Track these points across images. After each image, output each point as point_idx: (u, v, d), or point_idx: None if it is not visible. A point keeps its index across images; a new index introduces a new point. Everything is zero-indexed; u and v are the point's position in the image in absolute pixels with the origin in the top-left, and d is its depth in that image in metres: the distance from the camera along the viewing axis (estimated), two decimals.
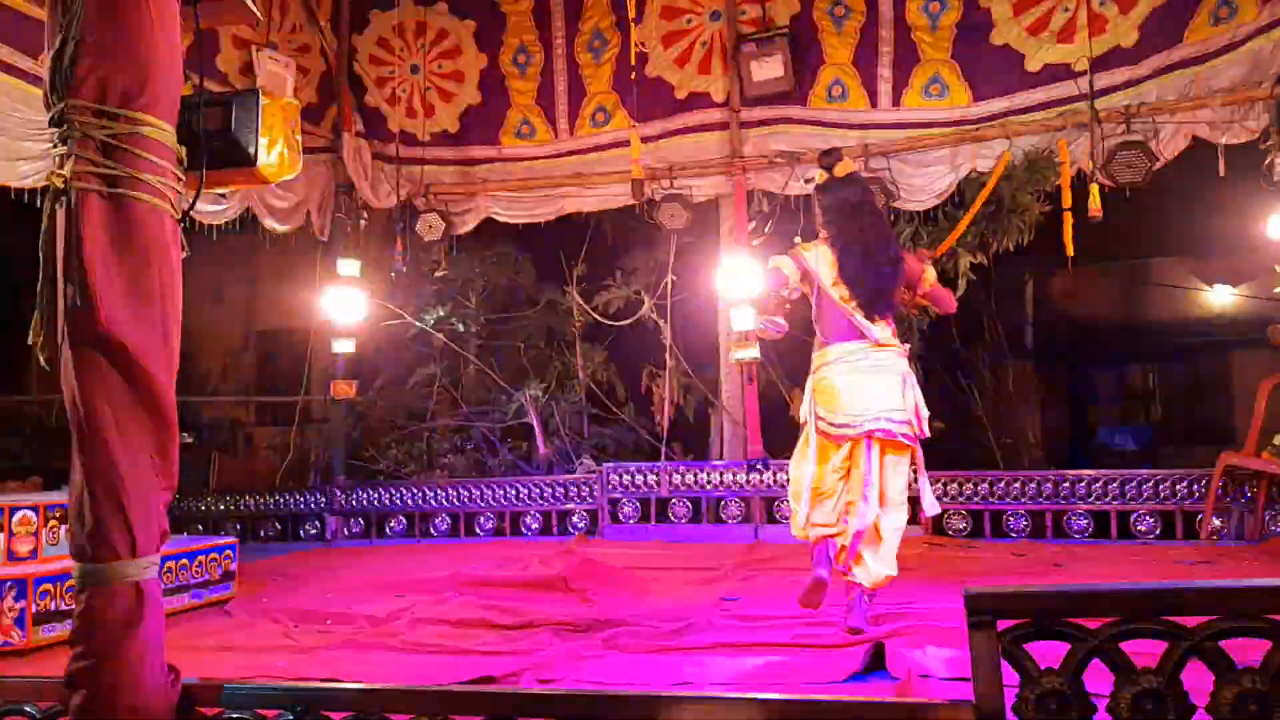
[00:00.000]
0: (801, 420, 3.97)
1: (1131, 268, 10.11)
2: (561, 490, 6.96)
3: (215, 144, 2.09)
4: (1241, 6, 5.67)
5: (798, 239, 6.68)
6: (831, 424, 3.72)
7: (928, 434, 3.81)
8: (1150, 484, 5.86)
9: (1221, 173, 5.78)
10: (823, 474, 3.76)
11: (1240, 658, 1.51)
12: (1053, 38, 6.18)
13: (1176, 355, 10.27)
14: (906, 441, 3.70)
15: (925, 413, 3.79)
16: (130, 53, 1.86)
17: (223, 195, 5.96)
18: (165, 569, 4.35)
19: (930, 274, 3.95)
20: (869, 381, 3.70)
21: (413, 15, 7.20)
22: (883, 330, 3.75)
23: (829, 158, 4.01)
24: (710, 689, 2.94)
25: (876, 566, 3.65)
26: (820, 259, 3.87)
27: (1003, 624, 1.57)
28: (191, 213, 2.11)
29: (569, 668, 3.24)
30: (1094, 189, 5.79)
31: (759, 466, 6.47)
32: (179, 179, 1.96)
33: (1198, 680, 1.53)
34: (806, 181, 6.66)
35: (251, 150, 2.11)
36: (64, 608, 3.87)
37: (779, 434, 7.24)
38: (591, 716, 1.79)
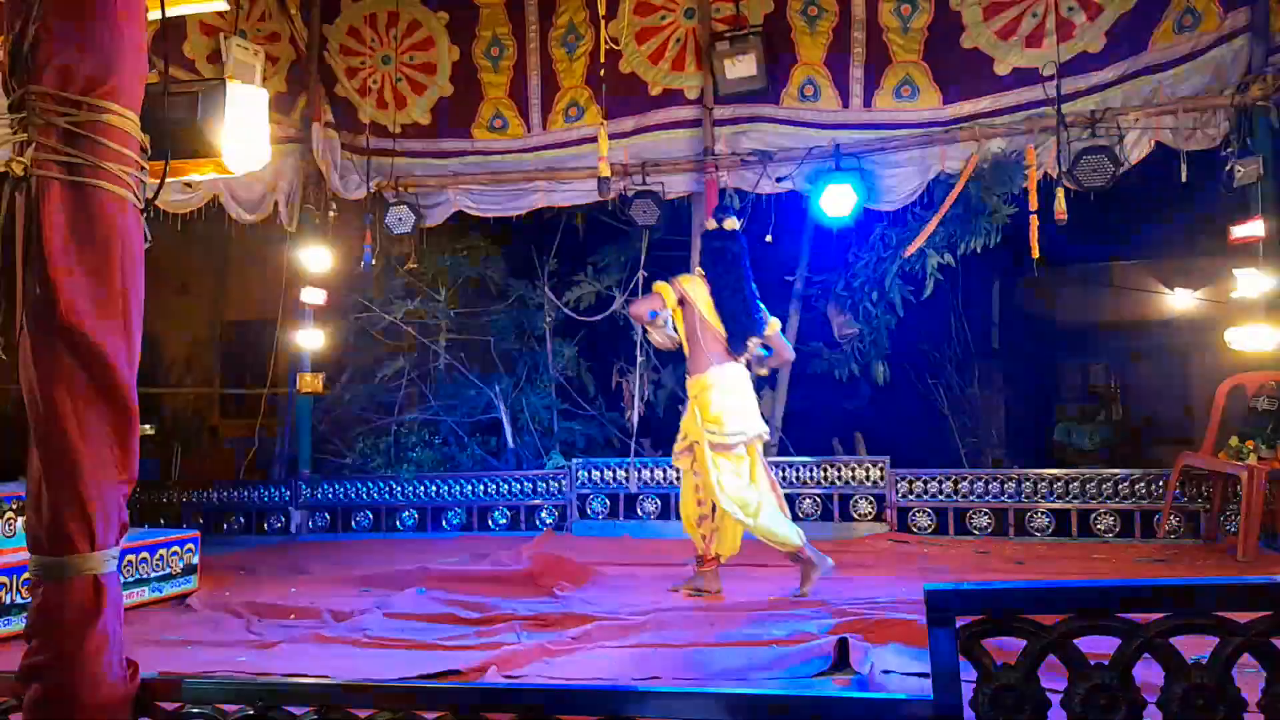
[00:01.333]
0: (688, 441, 4.49)
1: (1095, 270, 10.28)
2: (530, 485, 6.95)
3: (180, 133, 2.06)
4: (1205, 16, 5.79)
5: (768, 237, 6.80)
6: (718, 433, 4.34)
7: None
8: (1110, 483, 5.97)
9: (1183, 178, 5.90)
10: (739, 475, 4.41)
11: (1189, 654, 1.55)
12: (1021, 42, 6.26)
13: (1138, 356, 10.45)
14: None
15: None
16: (94, 39, 1.83)
17: (189, 184, 5.87)
18: (125, 562, 4.29)
19: (775, 325, 4.66)
20: (741, 398, 4.46)
21: (385, 5, 7.13)
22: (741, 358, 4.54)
23: (722, 213, 4.75)
24: (677, 684, 2.95)
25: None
26: (698, 292, 4.52)
27: (961, 621, 1.60)
28: (157, 202, 2.08)
29: (536, 663, 3.24)
30: (1060, 192, 5.89)
31: None
32: (142, 168, 1.93)
33: (1149, 676, 1.56)
34: (778, 180, 6.71)
35: (217, 140, 2.08)
36: (19, 601, 3.80)
37: None
38: (557, 711, 1.79)
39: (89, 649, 1.80)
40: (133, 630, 1.96)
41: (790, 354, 4.94)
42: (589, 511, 6.78)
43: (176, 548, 4.69)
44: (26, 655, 1.82)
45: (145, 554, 4.50)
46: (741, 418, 4.39)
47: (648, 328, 4.62)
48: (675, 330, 4.58)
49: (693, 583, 4.57)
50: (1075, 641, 1.57)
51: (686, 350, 4.56)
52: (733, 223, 4.69)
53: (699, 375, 4.47)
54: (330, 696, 1.84)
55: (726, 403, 4.38)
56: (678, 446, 4.59)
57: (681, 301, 4.50)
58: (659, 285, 4.55)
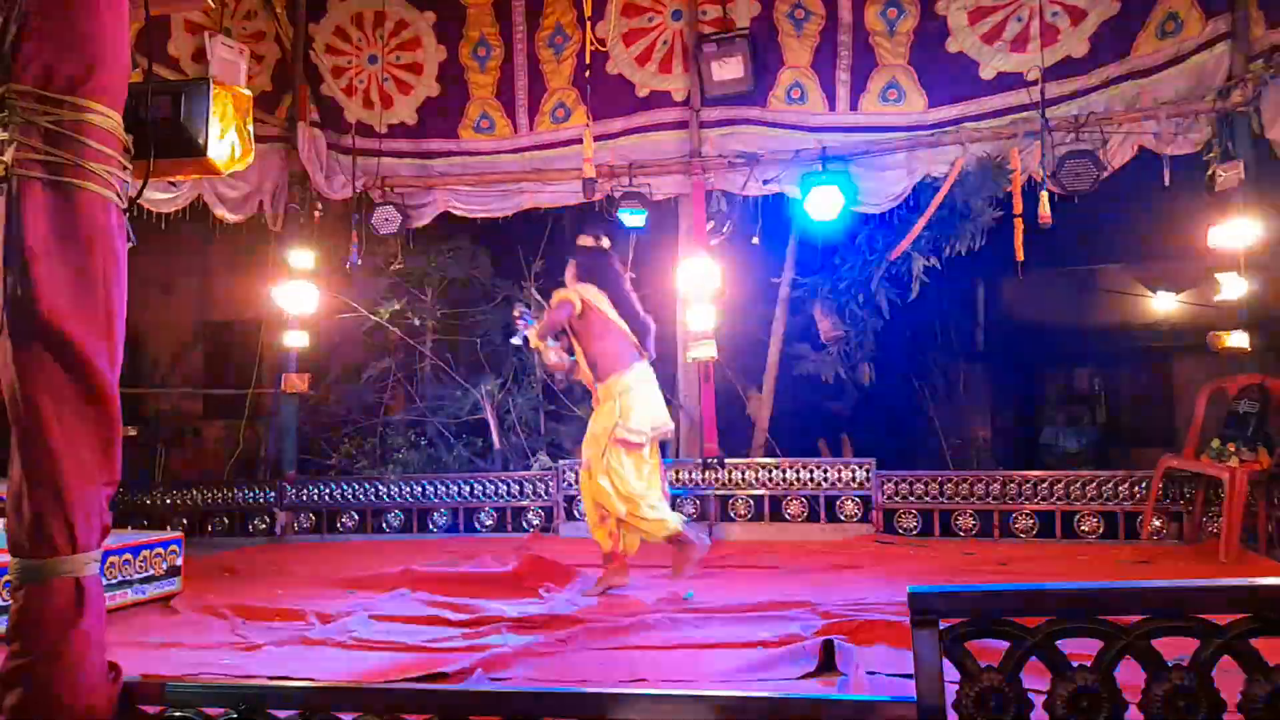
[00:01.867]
0: (616, 438, 4.54)
1: (1079, 273, 10.35)
2: (517, 487, 6.93)
3: (164, 133, 2.04)
4: (1187, 22, 5.85)
5: (755, 239, 6.82)
6: (636, 431, 4.54)
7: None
8: (1094, 485, 6.01)
9: (1166, 182, 5.95)
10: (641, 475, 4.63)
11: (1169, 655, 1.56)
12: (1006, 47, 6.30)
13: (1121, 359, 10.53)
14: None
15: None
16: (76, 37, 1.82)
17: (173, 184, 5.84)
18: (108, 564, 4.25)
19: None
20: (656, 394, 4.72)
21: (371, 5, 7.11)
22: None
23: (600, 229, 5.07)
24: (664, 686, 2.95)
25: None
26: (599, 298, 4.71)
27: (945, 623, 1.61)
28: (140, 201, 2.06)
29: (523, 665, 3.24)
30: (1044, 196, 5.92)
31: (714, 464, 6.52)
32: (125, 167, 1.92)
33: (1130, 677, 1.58)
34: (765, 183, 6.73)
35: (202, 140, 2.07)
36: (1, 603, 3.76)
37: (735, 432, 7.31)
38: (544, 714, 1.79)
39: (71, 652, 1.79)
40: (115, 632, 1.95)
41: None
42: (576, 513, 6.76)
43: (160, 549, 4.65)
44: (8, 659, 1.80)
45: (128, 555, 4.46)
46: (657, 413, 4.67)
47: (542, 350, 4.87)
48: (564, 351, 4.88)
49: (604, 581, 4.63)
50: (1057, 643, 1.58)
51: (590, 357, 4.72)
52: (607, 241, 5.01)
53: (619, 374, 4.61)
54: (316, 699, 1.83)
55: (650, 398, 4.64)
56: (591, 451, 4.64)
57: (582, 313, 4.68)
58: (564, 293, 4.75)
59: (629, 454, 4.56)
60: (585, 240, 4.98)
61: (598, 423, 4.65)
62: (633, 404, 4.55)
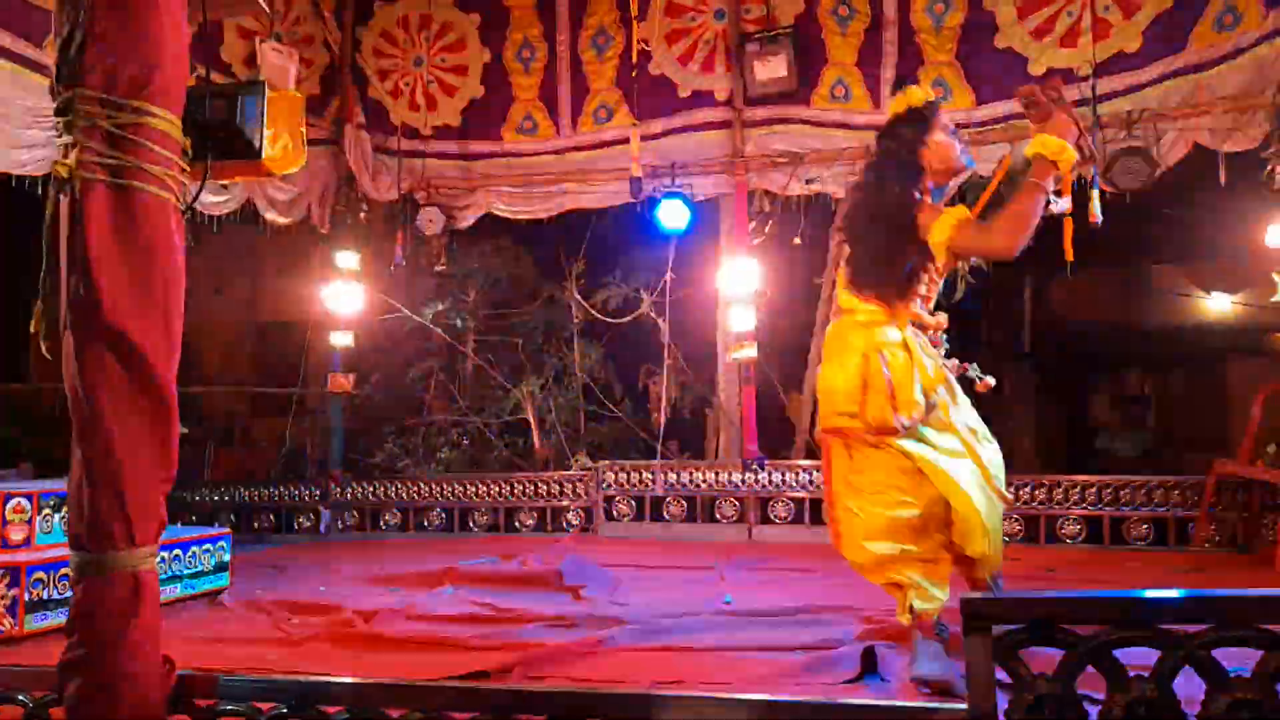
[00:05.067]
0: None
1: (1130, 274, 10.13)
2: (557, 487, 6.96)
3: (220, 136, 2.08)
4: (1245, 14, 5.68)
5: (797, 240, 6.77)
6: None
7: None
8: (1144, 490, 5.87)
9: (1222, 180, 5.79)
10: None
11: (1230, 666, 1.52)
12: (1056, 42, 6.18)
13: (1173, 362, 10.29)
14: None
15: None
16: (137, 43, 1.86)
17: (224, 186, 5.96)
18: (159, 559, 4.35)
19: (941, 222, 2.88)
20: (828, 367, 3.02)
21: (417, 8, 7.19)
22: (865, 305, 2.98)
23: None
24: (704, 689, 2.94)
25: None
26: None
27: (998, 629, 1.58)
28: (194, 204, 2.11)
29: (561, 665, 3.24)
30: (1094, 194, 5.79)
31: (755, 466, 6.48)
32: (184, 170, 1.96)
33: (1189, 688, 1.53)
34: (808, 182, 6.67)
35: (256, 143, 2.11)
36: (56, 596, 3.86)
37: (775, 435, 7.26)
38: (586, 714, 1.79)
39: (128, 645, 1.82)
40: (165, 626, 1.99)
41: (990, 246, 3.02)
42: (615, 514, 6.77)
43: (209, 545, 4.75)
44: (66, 650, 1.85)
45: (178, 551, 4.56)
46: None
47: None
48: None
49: None
50: (1114, 652, 1.55)
51: None
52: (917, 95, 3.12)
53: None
54: (363, 696, 1.85)
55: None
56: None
57: None
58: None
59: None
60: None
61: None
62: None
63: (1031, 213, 2.77)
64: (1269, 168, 5.52)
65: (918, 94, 3.08)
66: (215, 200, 6.14)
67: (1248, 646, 1.51)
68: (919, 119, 3.04)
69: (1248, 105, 5.69)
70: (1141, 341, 10.25)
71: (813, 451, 7.21)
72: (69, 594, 1.91)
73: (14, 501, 4.03)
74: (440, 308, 7.99)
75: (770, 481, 6.47)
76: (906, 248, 2.90)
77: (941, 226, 2.86)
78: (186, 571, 4.59)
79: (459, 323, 8.13)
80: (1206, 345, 9.89)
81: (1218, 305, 9.94)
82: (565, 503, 6.90)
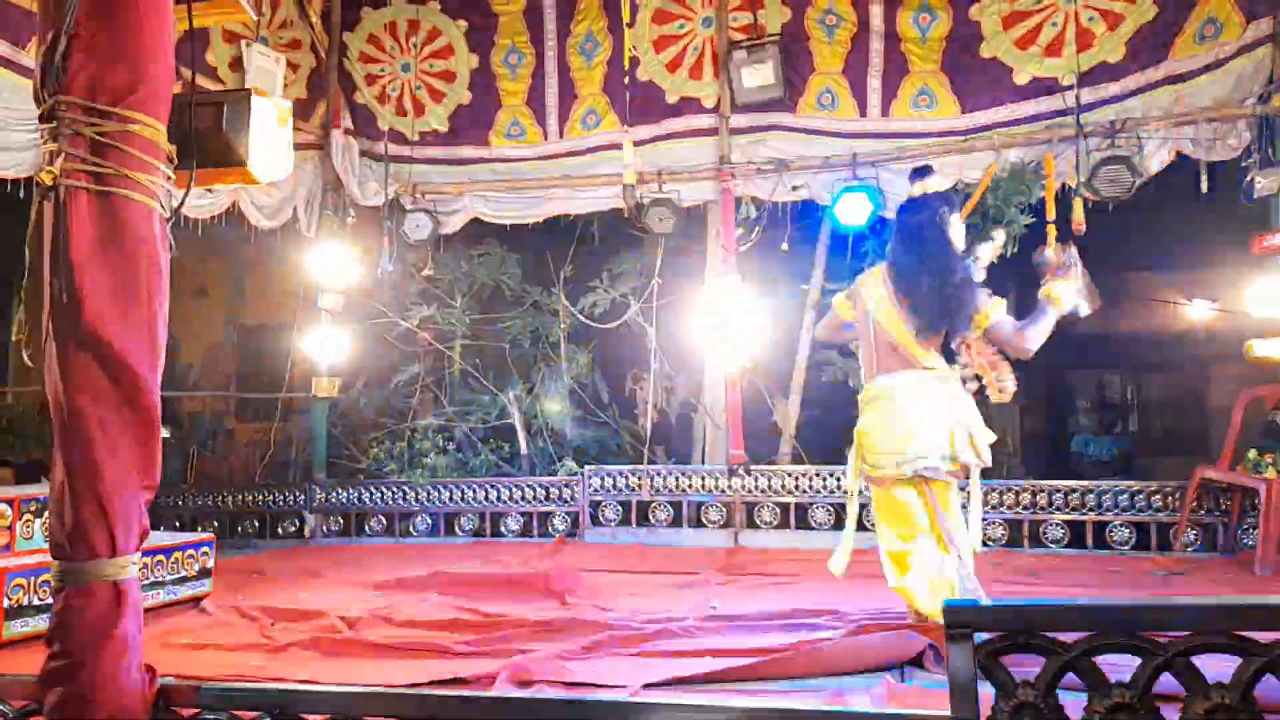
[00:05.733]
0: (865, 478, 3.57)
1: (1112, 280, 10.19)
2: (543, 492, 6.95)
3: (206, 143, 2.08)
4: (1226, 26, 5.76)
5: (784, 246, 6.79)
6: (868, 463, 3.49)
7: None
8: (1126, 495, 5.92)
9: (1204, 189, 5.86)
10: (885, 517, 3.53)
11: (1210, 673, 1.54)
12: (1041, 52, 6.24)
13: (1155, 368, 10.38)
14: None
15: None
16: (123, 50, 1.85)
17: (210, 190, 5.92)
18: (141, 565, 4.32)
19: (991, 313, 3.38)
20: (904, 416, 3.38)
21: (405, 13, 7.19)
22: (930, 357, 3.45)
23: (917, 176, 3.79)
24: (688, 695, 2.95)
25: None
26: (873, 288, 3.60)
27: (980, 636, 1.59)
28: (179, 211, 2.10)
29: (546, 671, 3.24)
30: (1078, 202, 5.86)
31: (741, 471, 6.50)
32: (169, 177, 1.95)
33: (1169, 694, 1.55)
34: (794, 189, 6.71)
35: (243, 150, 2.10)
36: (37, 603, 3.83)
37: (761, 440, 7.28)
38: None
39: (108, 654, 1.81)
40: (147, 632, 1.97)
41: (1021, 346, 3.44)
42: (602, 519, 6.77)
43: (192, 550, 4.72)
44: (48, 659, 1.83)
45: (161, 556, 4.53)
46: (899, 443, 3.35)
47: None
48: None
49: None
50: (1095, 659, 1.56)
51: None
52: (926, 186, 3.71)
53: (867, 385, 3.58)
54: (345, 704, 1.85)
55: (887, 422, 3.43)
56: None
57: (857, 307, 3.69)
58: (834, 301, 3.81)
59: (874, 486, 3.54)
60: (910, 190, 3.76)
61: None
62: (865, 426, 3.52)
63: (1050, 329, 3.49)
64: (1248, 177, 5.59)
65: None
66: (200, 203, 6.11)
67: (1227, 653, 1.53)
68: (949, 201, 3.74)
69: (1228, 115, 5.76)
70: (1123, 347, 10.34)
71: (799, 457, 7.23)
72: (50, 600, 1.89)
73: None
74: (427, 312, 7.97)
75: (756, 487, 6.49)
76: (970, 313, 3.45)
77: (994, 310, 3.43)
78: (169, 577, 4.56)
79: (445, 327, 8.11)
80: (1187, 351, 9.99)
81: (1198, 312, 10.04)
82: (551, 508, 6.89)
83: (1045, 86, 6.27)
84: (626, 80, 6.25)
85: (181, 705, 1.92)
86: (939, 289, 3.40)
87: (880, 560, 3.52)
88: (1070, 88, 6.06)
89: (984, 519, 5.60)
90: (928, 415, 3.35)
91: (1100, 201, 5.92)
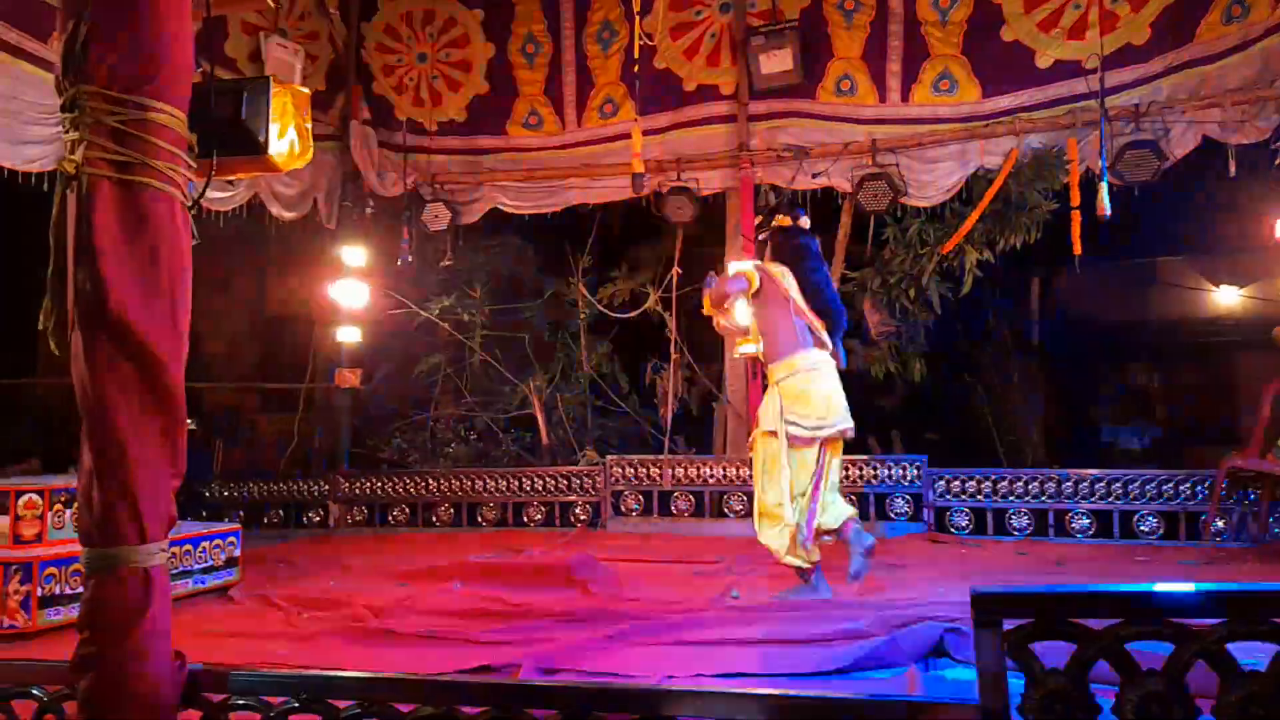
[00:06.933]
0: (767, 429, 4.29)
1: (1138, 267, 10.08)
2: (564, 482, 6.96)
3: (226, 131, 2.08)
4: (1254, 6, 5.65)
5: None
6: (805, 427, 4.21)
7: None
8: (1154, 484, 5.86)
9: (1231, 172, 5.76)
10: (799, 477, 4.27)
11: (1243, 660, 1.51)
12: (1063, 34, 6.15)
13: (1182, 355, 10.24)
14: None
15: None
16: (142, 39, 1.86)
17: (230, 182, 5.96)
18: (169, 554, 4.36)
19: None
20: (825, 388, 4.30)
21: (421, 3, 7.19)
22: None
23: (799, 209, 4.72)
24: (713, 683, 2.94)
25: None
26: (788, 280, 4.42)
27: (1009, 624, 1.57)
28: (200, 200, 2.11)
29: (570, 659, 3.24)
30: (1102, 187, 5.77)
31: None
32: (190, 166, 1.95)
33: (1202, 683, 1.53)
34: (814, 176, 6.66)
35: (262, 138, 2.11)
36: (69, 591, 3.88)
37: None
38: (599, 709, 1.79)
39: (139, 640, 1.83)
40: (176, 621, 1.99)
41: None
42: (623, 508, 6.78)
43: (219, 540, 4.77)
44: (79, 646, 1.85)
45: (188, 546, 4.58)
46: (820, 410, 4.24)
47: (719, 312, 4.58)
48: (738, 323, 4.65)
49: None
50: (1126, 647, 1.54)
51: (763, 338, 4.47)
52: (806, 220, 4.69)
53: (781, 359, 4.33)
54: (372, 690, 1.85)
55: (811, 392, 4.24)
56: (752, 437, 4.44)
57: (759, 291, 4.41)
58: (743, 268, 4.50)
59: (788, 447, 4.22)
60: (782, 220, 4.67)
61: (760, 409, 4.46)
62: (788, 393, 4.25)
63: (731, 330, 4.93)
64: (1278, 159, 5.49)
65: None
66: (221, 195, 6.15)
67: (1262, 640, 1.50)
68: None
69: (1256, 97, 5.66)
70: (1150, 335, 10.20)
71: None
72: (81, 589, 1.91)
73: (26, 497, 4.05)
74: (446, 303, 7.99)
75: None
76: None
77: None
78: (197, 567, 4.61)
79: (466, 317, 8.13)
80: (1215, 338, 9.84)
81: (1226, 298, 9.89)
82: (573, 498, 6.90)
83: (1068, 70, 6.18)
84: (636, 68, 6.20)
85: (211, 691, 1.94)
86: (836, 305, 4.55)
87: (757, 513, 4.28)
88: (1094, 71, 5.96)
89: (1009, 507, 6.09)
90: (839, 387, 4.36)
91: (1125, 186, 5.84)
